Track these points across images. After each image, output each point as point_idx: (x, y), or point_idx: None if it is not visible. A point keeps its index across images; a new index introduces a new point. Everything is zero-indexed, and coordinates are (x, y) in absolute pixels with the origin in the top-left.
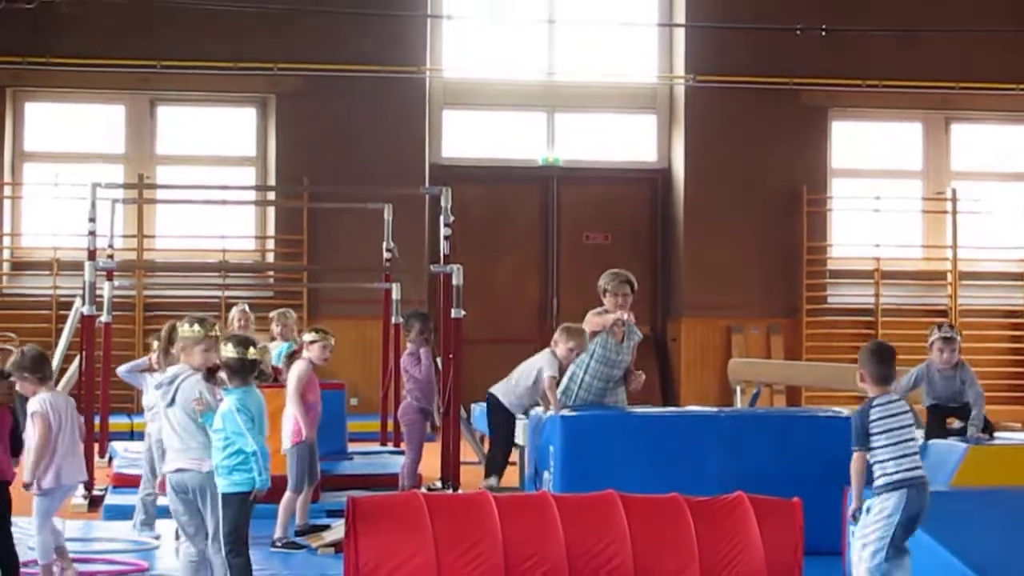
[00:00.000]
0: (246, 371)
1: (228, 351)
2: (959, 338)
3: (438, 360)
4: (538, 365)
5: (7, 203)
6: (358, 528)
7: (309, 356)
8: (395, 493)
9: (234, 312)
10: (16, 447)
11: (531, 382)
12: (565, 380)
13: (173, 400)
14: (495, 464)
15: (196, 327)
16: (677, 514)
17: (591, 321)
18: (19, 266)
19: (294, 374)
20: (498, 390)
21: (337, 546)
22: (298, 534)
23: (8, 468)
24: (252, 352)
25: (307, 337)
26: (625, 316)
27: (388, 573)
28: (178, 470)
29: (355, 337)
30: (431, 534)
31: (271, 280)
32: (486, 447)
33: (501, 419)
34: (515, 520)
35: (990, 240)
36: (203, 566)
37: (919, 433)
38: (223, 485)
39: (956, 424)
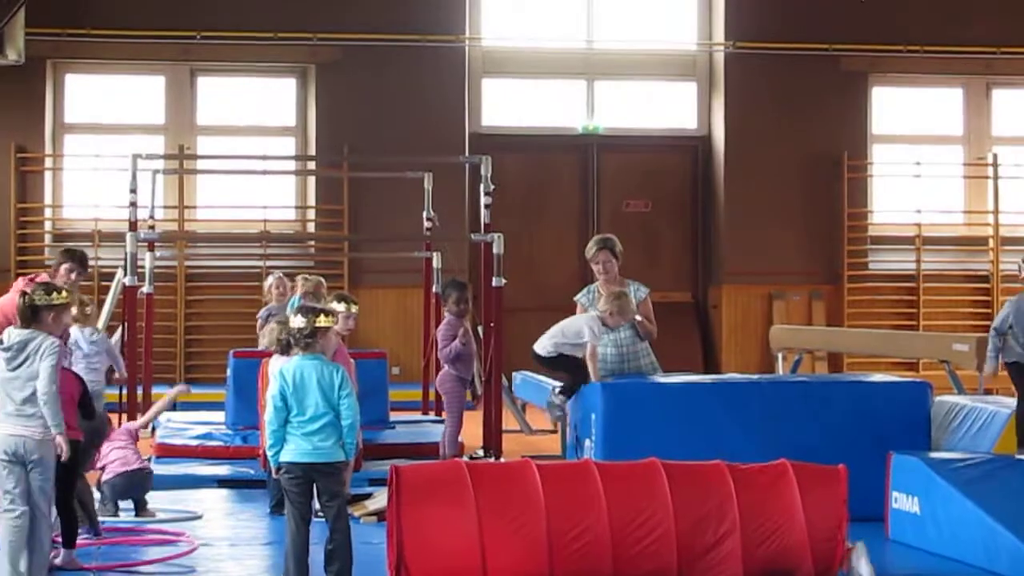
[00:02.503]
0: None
1: (296, 321)
2: None
3: (479, 329)
4: (583, 329)
5: (48, 175)
6: (402, 497)
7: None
8: (438, 462)
9: (270, 280)
10: (86, 413)
11: (572, 340)
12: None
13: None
14: (567, 388)
15: (53, 294)
16: (720, 482)
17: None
18: (60, 238)
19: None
20: (540, 347)
21: (380, 515)
22: None
23: (78, 429)
24: (322, 320)
25: (338, 307)
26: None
27: (431, 541)
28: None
29: (396, 306)
30: (474, 503)
31: (312, 250)
32: (527, 415)
33: (554, 363)
34: (558, 488)
35: None
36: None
37: None
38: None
39: None
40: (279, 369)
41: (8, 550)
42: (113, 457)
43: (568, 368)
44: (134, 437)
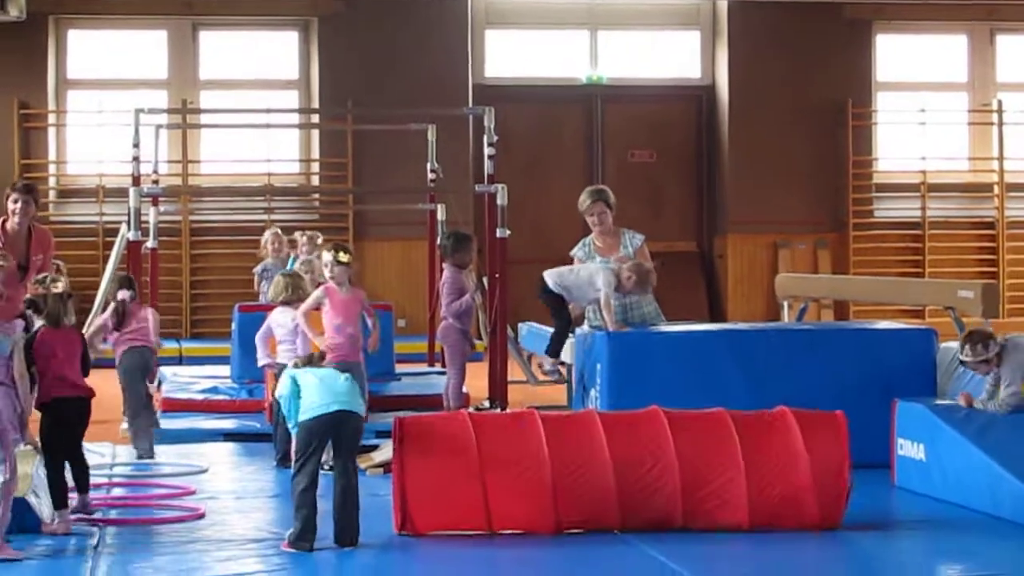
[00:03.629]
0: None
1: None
2: None
3: (484, 280)
4: (597, 277)
5: (51, 131)
6: (405, 449)
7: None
8: (441, 413)
9: (267, 235)
10: (84, 368)
11: (584, 284)
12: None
13: None
14: (555, 342)
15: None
16: (722, 429)
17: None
18: (64, 194)
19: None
20: (550, 275)
21: (386, 467)
22: None
23: (87, 385)
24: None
25: (325, 257)
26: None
27: (434, 492)
28: None
29: (401, 259)
30: (476, 453)
31: (316, 203)
32: (533, 366)
33: (552, 301)
34: (561, 438)
35: None
36: None
37: None
38: None
39: None
40: (291, 375)
41: None
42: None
43: (558, 315)
44: None
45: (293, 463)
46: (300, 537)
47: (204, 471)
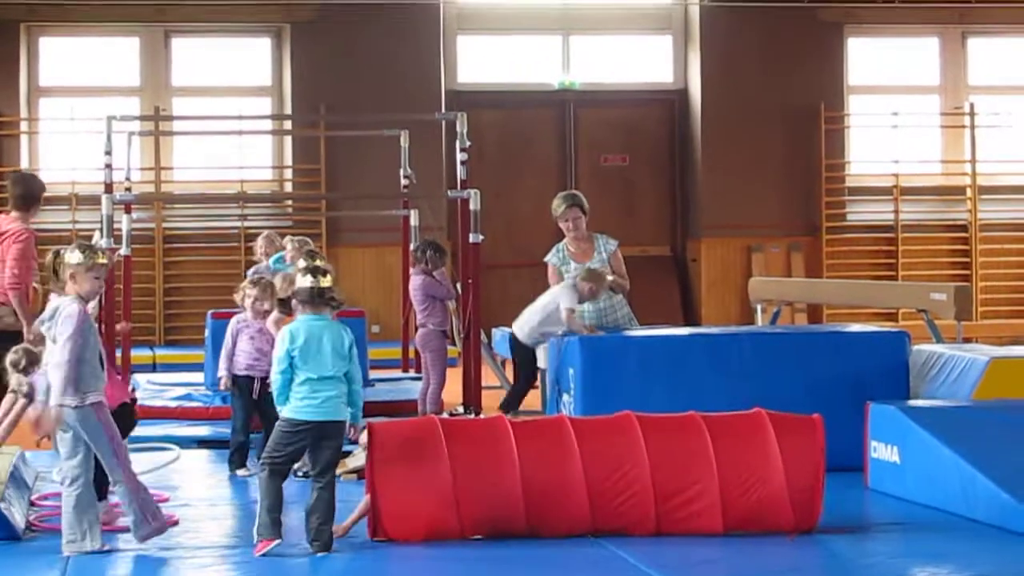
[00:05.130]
0: (315, 299)
1: (302, 281)
2: None
3: (458, 285)
4: (557, 298)
5: (24, 139)
6: (375, 455)
7: None
8: (412, 419)
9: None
10: None
11: (553, 313)
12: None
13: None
14: (513, 397)
15: (87, 253)
16: (695, 432)
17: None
18: None
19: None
20: (517, 326)
21: (359, 472)
22: None
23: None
24: (324, 280)
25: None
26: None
27: (405, 499)
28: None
29: (374, 265)
30: (447, 459)
31: (289, 209)
32: (507, 371)
33: (521, 354)
34: (532, 444)
35: (1009, 154)
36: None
37: None
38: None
39: None
40: (288, 330)
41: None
42: None
43: (525, 373)
44: None
45: (266, 457)
46: (273, 525)
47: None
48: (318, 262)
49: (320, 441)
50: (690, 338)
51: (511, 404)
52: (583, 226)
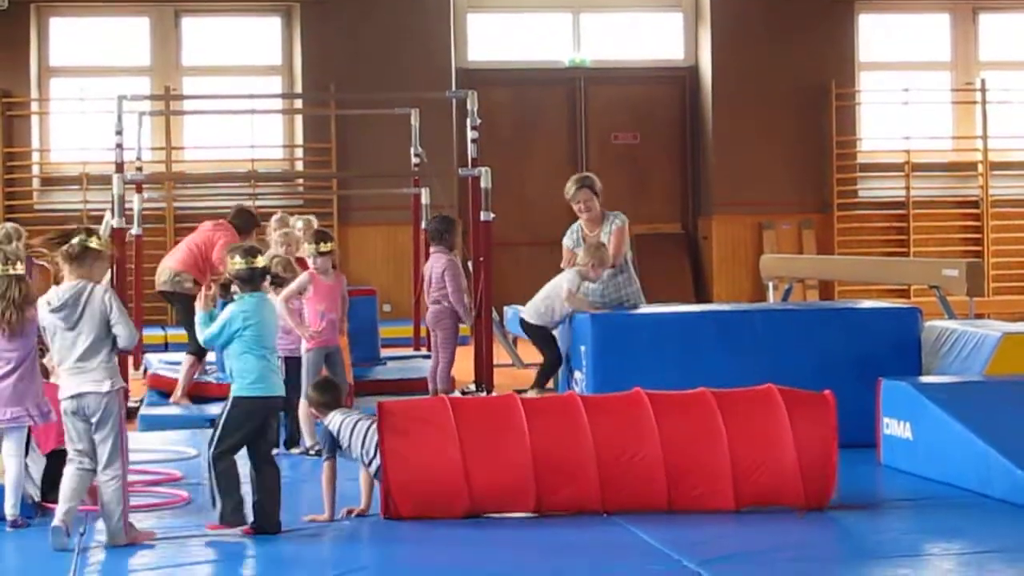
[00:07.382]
0: (255, 279)
1: (236, 263)
2: None
3: (469, 264)
4: (562, 283)
5: (35, 119)
6: (385, 434)
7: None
8: (422, 398)
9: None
10: None
11: (557, 303)
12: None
13: (81, 317)
14: (541, 375)
15: (103, 240)
16: (705, 409)
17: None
18: (48, 181)
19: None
20: (526, 312)
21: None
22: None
23: None
24: (260, 260)
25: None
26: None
27: (416, 477)
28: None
29: (385, 243)
30: (457, 438)
31: (300, 188)
32: (518, 349)
33: (537, 335)
34: (542, 422)
35: (1020, 130)
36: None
37: None
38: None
39: None
40: (238, 311)
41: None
42: None
43: (547, 347)
44: None
45: (216, 439)
46: (236, 511)
47: (194, 451)
48: (322, 245)
49: (272, 417)
50: (702, 315)
51: (540, 381)
52: (596, 207)
